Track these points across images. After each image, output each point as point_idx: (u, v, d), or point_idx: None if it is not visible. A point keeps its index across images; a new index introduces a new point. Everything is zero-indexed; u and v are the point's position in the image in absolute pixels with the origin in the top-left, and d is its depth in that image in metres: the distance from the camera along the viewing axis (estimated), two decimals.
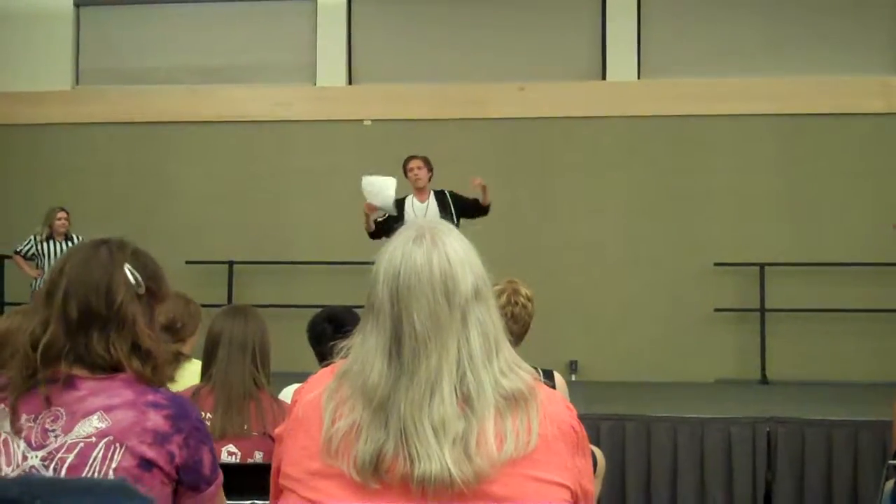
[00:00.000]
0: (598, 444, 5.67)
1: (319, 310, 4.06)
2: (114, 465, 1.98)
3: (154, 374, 2.09)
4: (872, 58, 9.83)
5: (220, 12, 10.65)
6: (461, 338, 1.69)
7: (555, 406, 1.75)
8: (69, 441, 2.00)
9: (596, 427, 6.44)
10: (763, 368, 9.33)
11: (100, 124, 10.43)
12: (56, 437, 2.00)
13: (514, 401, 1.69)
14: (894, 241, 9.48)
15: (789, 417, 6.53)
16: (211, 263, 9.99)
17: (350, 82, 10.45)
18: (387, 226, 7.44)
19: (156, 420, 2.04)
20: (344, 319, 3.74)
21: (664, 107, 9.79)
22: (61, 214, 9.41)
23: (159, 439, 2.03)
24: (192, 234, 10.16)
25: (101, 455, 1.99)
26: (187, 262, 9.84)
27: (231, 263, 10.07)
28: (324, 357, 3.54)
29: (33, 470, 1.97)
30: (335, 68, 10.39)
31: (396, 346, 1.69)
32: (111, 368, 2.06)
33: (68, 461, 1.98)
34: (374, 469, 1.63)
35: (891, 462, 3.88)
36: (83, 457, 1.99)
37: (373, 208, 7.53)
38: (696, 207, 9.74)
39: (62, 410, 2.03)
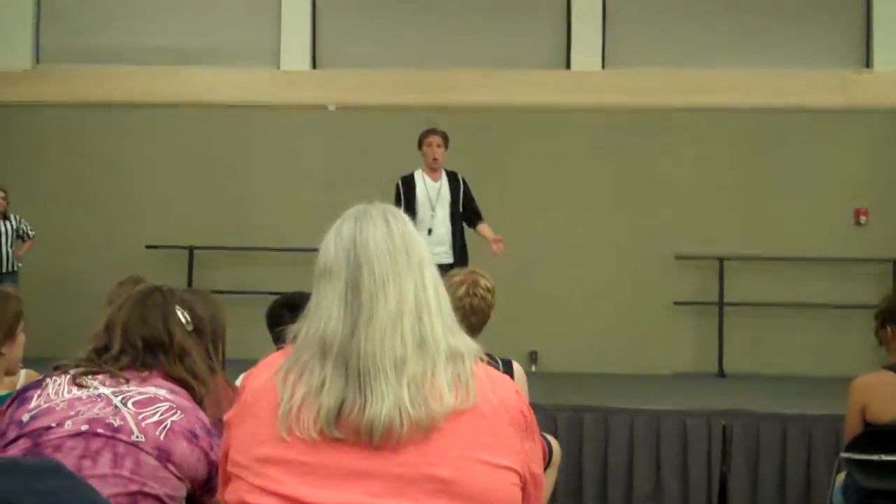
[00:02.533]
0: (555, 435, 5.69)
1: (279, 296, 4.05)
2: (173, 419, 2.24)
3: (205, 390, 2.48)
4: (833, 53, 9.91)
5: None
6: (419, 283, 1.75)
7: (504, 391, 1.77)
8: (140, 389, 2.30)
9: (554, 417, 6.47)
10: (720, 362, 9.41)
11: (60, 105, 10.29)
12: (128, 388, 2.31)
13: (459, 358, 1.74)
14: (850, 237, 9.60)
15: (745, 410, 6.60)
16: (171, 248, 9.90)
17: (314, 66, 10.38)
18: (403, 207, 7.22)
19: (205, 421, 2.34)
20: (302, 305, 3.71)
21: (627, 97, 9.81)
22: None
23: (207, 431, 2.30)
24: (152, 218, 10.07)
25: (166, 407, 2.26)
26: (147, 247, 9.76)
27: (192, 249, 9.98)
28: (280, 341, 3.52)
29: (102, 396, 2.26)
30: (299, 52, 10.32)
31: (354, 291, 1.72)
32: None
33: (136, 398, 2.27)
34: (337, 417, 1.65)
35: (842, 455, 3.93)
36: (151, 400, 2.27)
37: None
38: (658, 199, 9.79)
39: (134, 381, 2.35)
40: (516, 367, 4.12)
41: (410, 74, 10.06)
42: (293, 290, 4.16)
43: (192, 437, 2.25)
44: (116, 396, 2.26)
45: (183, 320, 2.54)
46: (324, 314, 1.73)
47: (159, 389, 2.33)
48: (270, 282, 8.99)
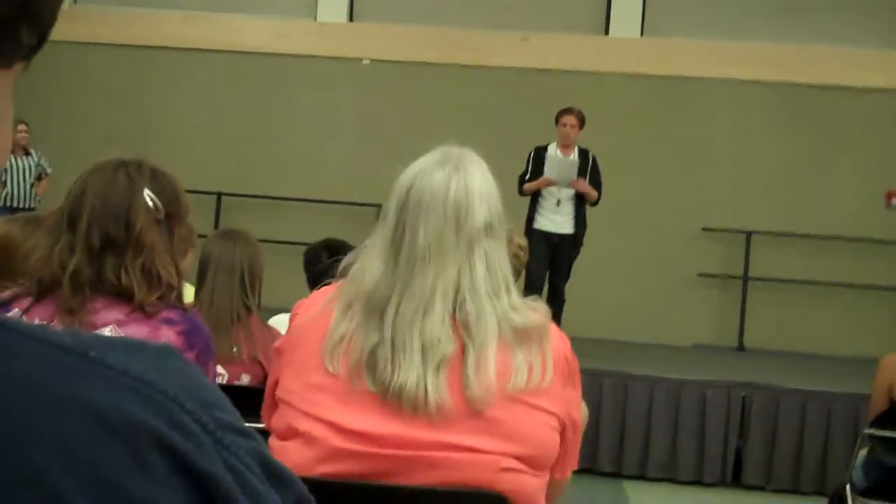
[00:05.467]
0: None
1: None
2: None
3: (165, 299, 2.07)
4: (877, 32, 9.78)
5: None
6: (464, 265, 1.70)
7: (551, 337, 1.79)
8: None
9: None
10: (741, 336, 9.40)
11: (94, 45, 10.28)
12: None
13: (526, 335, 1.71)
14: (880, 218, 9.53)
15: (766, 384, 6.61)
16: (199, 193, 9.92)
17: (351, 19, 10.34)
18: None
19: (168, 335, 2.02)
20: (341, 249, 3.73)
21: (665, 66, 9.72)
22: (21, 127, 9.13)
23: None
24: (181, 163, 9.90)
25: None
26: None
27: (219, 195, 10.03)
28: (315, 282, 3.54)
29: None
30: (337, 4, 10.28)
31: (395, 253, 1.70)
32: (121, 293, 2.02)
33: None
34: (371, 370, 1.66)
35: (867, 431, 3.93)
36: None
37: (549, 182, 7.59)
38: (689, 170, 9.73)
39: (73, 321, 1.99)
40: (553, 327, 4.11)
41: (447, 33, 10.00)
42: (316, 240, 4.18)
43: None
44: None
45: (151, 205, 2.07)
46: (369, 263, 1.72)
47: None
48: (298, 232, 9.01)
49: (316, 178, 9.89)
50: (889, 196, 9.57)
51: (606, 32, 10.01)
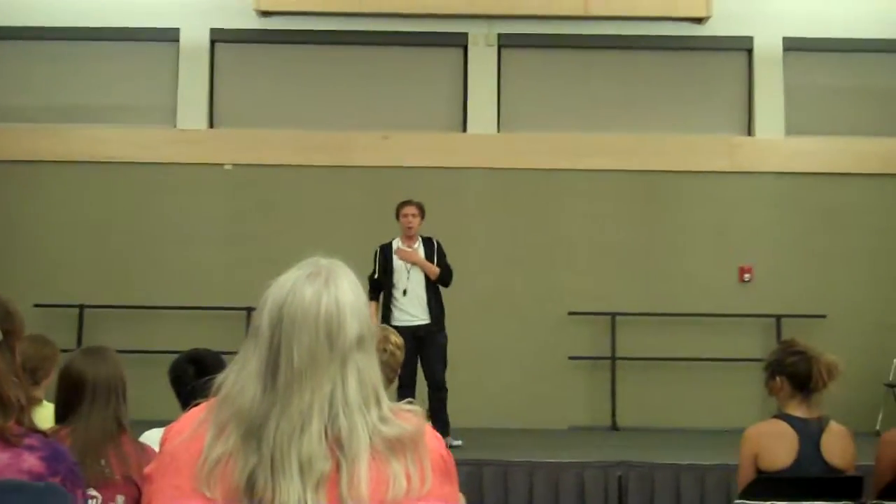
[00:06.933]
0: None
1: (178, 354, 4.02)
2: None
3: (21, 421, 2.00)
4: (719, 118, 10.34)
5: (81, 51, 10.35)
6: (337, 380, 1.70)
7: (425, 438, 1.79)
8: None
9: None
10: (613, 415, 9.59)
11: None
12: None
13: (399, 444, 1.72)
14: (735, 293, 9.95)
15: (640, 462, 6.75)
16: (61, 307, 9.67)
17: (211, 125, 10.35)
18: (381, 280, 7.70)
19: (31, 461, 1.96)
20: (207, 362, 3.70)
21: (521, 160, 10.04)
22: None
23: (34, 480, 1.94)
24: (43, 277, 9.82)
25: None
26: (35, 305, 9.50)
27: (82, 307, 9.77)
28: (185, 398, 3.49)
29: None
30: (196, 111, 10.27)
31: (272, 374, 1.69)
32: None
33: None
34: (249, 494, 1.64)
35: (736, 501, 4.07)
36: None
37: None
38: (551, 257, 9.99)
39: None
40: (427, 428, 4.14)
41: (309, 135, 10.11)
42: (187, 348, 4.12)
43: None
44: None
45: None
46: (245, 384, 1.70)
47: None
48: (167, 340, 8.84)
49: (183, 284, 9.76)
50: (742, 272, 10.01)
51: (464, 130, 10.29)
